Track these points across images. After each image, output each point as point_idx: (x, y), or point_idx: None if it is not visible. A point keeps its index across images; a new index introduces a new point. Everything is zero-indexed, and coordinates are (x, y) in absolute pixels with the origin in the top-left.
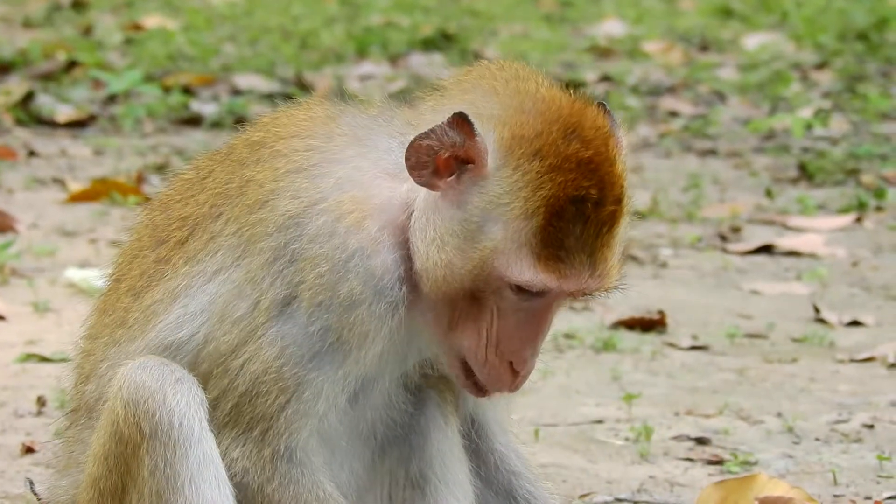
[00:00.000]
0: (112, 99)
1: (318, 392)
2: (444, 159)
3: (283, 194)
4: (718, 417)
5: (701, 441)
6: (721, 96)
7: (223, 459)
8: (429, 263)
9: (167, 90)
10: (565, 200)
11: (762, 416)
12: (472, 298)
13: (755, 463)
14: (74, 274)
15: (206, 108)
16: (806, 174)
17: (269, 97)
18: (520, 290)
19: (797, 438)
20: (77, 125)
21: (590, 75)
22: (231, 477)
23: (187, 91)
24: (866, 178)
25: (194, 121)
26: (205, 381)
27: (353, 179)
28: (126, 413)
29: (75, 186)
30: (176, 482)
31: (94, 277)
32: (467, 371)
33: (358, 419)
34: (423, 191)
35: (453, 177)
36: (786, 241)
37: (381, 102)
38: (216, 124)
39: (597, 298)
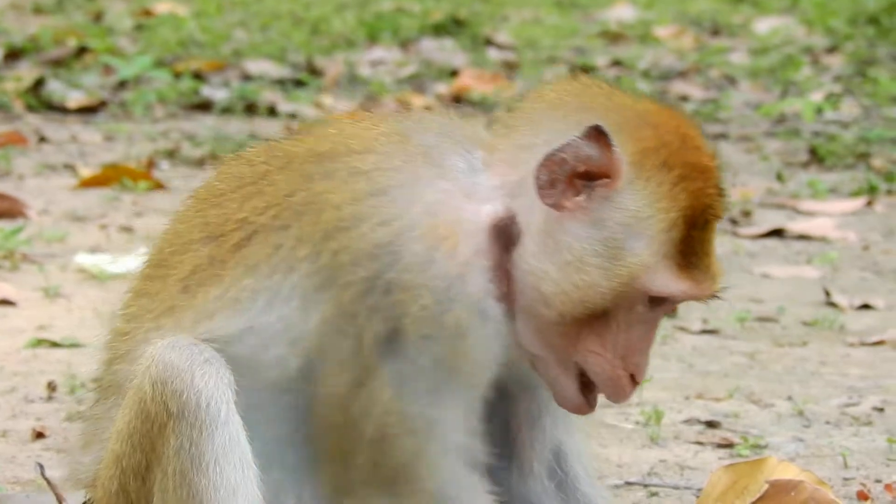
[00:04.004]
0: (122, 85)
1: (448, 426)
2: (572, 176)
3: (368, 220)
4: (729, 401)
5: (711, 424)
6: (732, 80)
7: None
8: (565, 286)
9: (178, 76)
10: (699, 209)
11: (773, 399)
12: (599, 315)
13: (765, 446)
14: (85, 259)
15: (216, 93)
16: (817, 158)
17: (280, 83)
18: (652, 301)
19: (807, 422)
20: (88, 111)
21: (600, 60)
22: None
23: (198, 77)
24: (877, 162)
25: (205, 106)
26: (324, 426)
27: (441, 203)
28: (154, 392)
29: (86, 172)
30: (200, 463)
31: (105, 263)
32: (584, 387)
33: None
34: (535, 213)
35: (582, 195)
36: (797, 225)
37: (442, 115)
38: (227, 110)
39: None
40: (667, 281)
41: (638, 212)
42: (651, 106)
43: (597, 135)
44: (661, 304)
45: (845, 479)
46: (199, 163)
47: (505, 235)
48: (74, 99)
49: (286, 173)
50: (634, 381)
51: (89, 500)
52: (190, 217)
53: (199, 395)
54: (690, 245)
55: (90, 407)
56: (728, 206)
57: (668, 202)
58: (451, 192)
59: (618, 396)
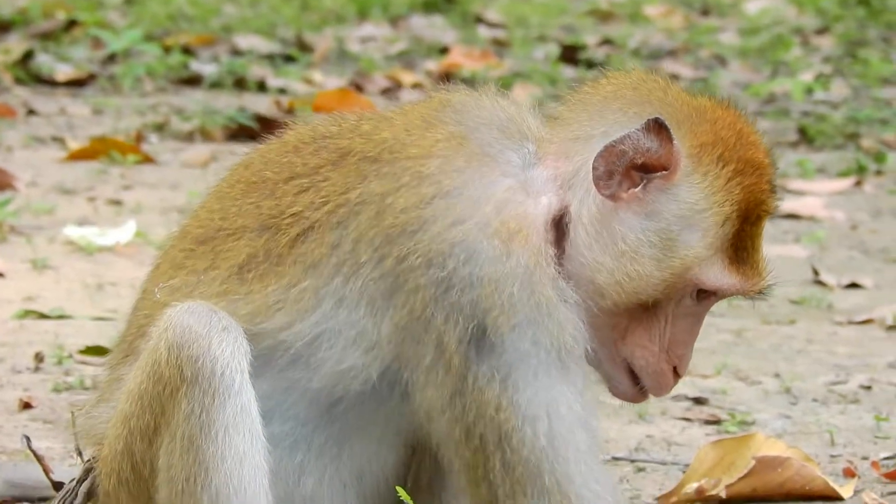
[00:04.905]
0: (112, 58)
1: (565, 403)
2: (629, 168)
3: (439, 221)
4: (716, 378)
5: (699, 401)
6: (722, 60)
7: None
8: (619, 276)
9: (167, 50)
10: (753, 204)
11: (760, 376)
12: (650, 307)
13: (752, 423)
14: (73, 231)
15: (205, 68)
16: (806, 138)
17: (270, 58)
18: (700, 294)
19: (795, 399)
20: (76, 84)
21: (590, 39)
22: None
23: (187, 51)
24: (866, 143)
25: (194, 80)
26: (449, 447)
27: (508, 200)
28: (169, 355)
29: (74, 145)
30: (210, 430)
31: (93, 235)
32: (633, 378)
33: None
34: (589, 204)
35: (638, 187)
36: (785, 204)
37: (490, 102)
38: (216, 84)
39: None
40: (718, 274)
41: (694, 205)
42: (707, 102)
43: (657, 128)
44: (708, 298)
45: (832, 457)
46: (188, 137)
47: (559, 228)
48: (63, 72)
49: (340, 170)
50: (677, 373)
51: (95, 458)
52: (239, 201)
53: (214, 363)
54: (742, 240)
55: (113, 366)
56: (779, 203)
57: (723, 196)
58: (514, 188)
59: (661, 390)
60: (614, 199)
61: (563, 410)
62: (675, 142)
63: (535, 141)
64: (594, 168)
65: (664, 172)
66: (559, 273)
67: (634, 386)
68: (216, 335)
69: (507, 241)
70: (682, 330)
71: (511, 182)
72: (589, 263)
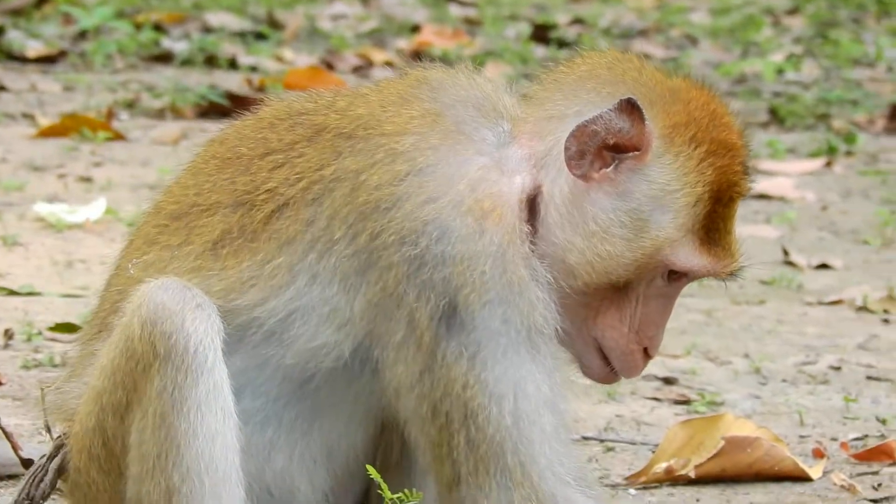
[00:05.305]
0: (83, 35)
1: (533, 383)
2: (601, 148)
3: (412, 198)
4: (686, 358)
5: (668, 381)
6: (693, 40)
7: None
8: (590, 256)
9: (138, 27)
10: (724, 186)
11: (729, 356)
12: (620, 287)
13: (722, 403)
14: (43, 208)
15: (176, 45)
16: (777, 118)
17: (241, 35)
18: (671, 275)
19: (764, 379)
20: (47, 61)
21: (561, 18)
22: None
23: (158, 28)
24: (837, 123)
25: (165, 58)
26: (416, 424)
27: (482, 178)
28: (143, 332)
29: (45, 122)
30: (182, 407)
31: (63, 212)
32: (604, 358)
33: None
34: (561, 184)
35: (610, 167)
36: (756, 185)
37: (466, 79)
38: (187, 62)
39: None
40: (689, 255)
41: (665, 185)
42: (682, 82)
43: (629, 108)
44: (679, 279)
45: (801, 437)
46: (159, 114)
47: (532, 207)
48: (34, 48)
49: (315, 146)
50: (648, 354)
51: (66, 434)
52: (214, 176)
53: (188, 340)
54: (714, 221)
55: (85, 343)
56: (752, 185)
57: (695, 177)
58: (488, 167)
59: (630, 371)
60: (586, 179)
61: (530, 390)
62: (647, 122)
63: (510, 119)
64: (566, 148)
65: (636, 153)
66: (532, 252)
67: (605, 367)
68: (190, 312)
69: (480, 219)
70: (653, 311)
71: (485, 160)
72: (560, 243)
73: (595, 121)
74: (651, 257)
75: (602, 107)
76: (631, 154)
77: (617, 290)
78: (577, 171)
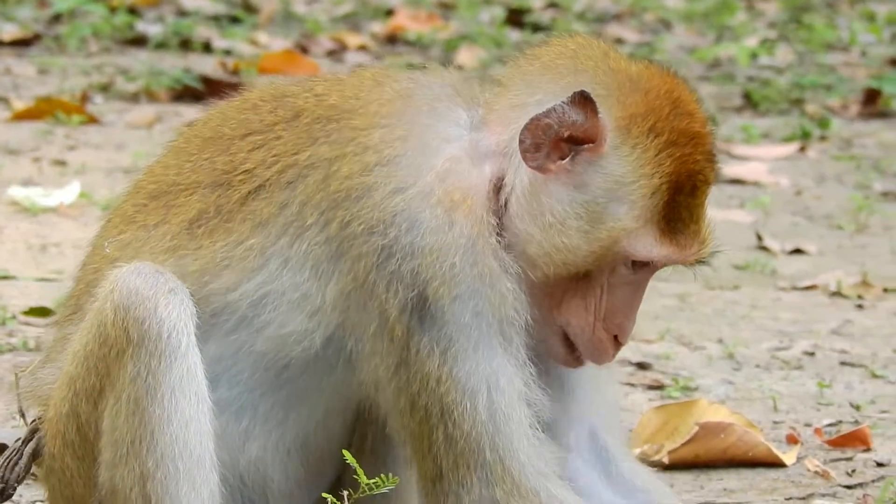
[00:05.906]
0: (57, 18)
1: (506, 376)
2: (557, 140)
3: (381, 189)
4: (660, 343)
5: (642, 366)
6: (667, 24)
7: None
8: (548, 248)
9: (113, 10)
10: (685, 175)
11: (703, 342)
12: (582, 276)
13: (696, 388)
14: (17, 192)
15: (151, 28)
16: (751, 103)
17: (215, 19)
18: (635, 264)
19: (738, 365)
20: (22, 44)
21: (536, 2)
22: None
23: (133, 11)
24: (811, 108)
25: (139, 41)
26: (396, 418)
27: (451, 170)
28: (115, 317)
29: (19, 105)
30: (156, 393)
31: (37, 196)
32: (569, 346)
33: None
34: (521, 175)
35: (567, 159)
36: (730, 169)
37: (444, 73)
38: (161, 45)
39: (697, 267)
40: (649, 245)
41: (621, 177)
42: (645, 70)
43: (582, 101)
44: (645, 268)
45: (775, 423)
46: (133, 97)
47: (498, 197)
48: (8, 32)
49: (292, 130)
50: (618, 342)
51: (40, 419)
52: (194, 156)
53: (161, 325)
54: (675, 210)
55: (61, 325)
56: (719, 172)
57: (652, 168)
58: (457, 157)
59: (598, 357)
60: (543, 170)
61: (503, 383)
62: (600, 115)
63: (482, 105)
64: (521, 140)
65: (591, 145)
66: (500, 243)
67: (570, 353)
68: (163, 297)
69: (449, 210)
70: (620, 299)
71: (454, 150)
72: (521, 234)
73: (549, 114)
74: (608, 248)
75: (560, 97)
76: (586, 146)
77: (580, 280)
78: (533, 163)
